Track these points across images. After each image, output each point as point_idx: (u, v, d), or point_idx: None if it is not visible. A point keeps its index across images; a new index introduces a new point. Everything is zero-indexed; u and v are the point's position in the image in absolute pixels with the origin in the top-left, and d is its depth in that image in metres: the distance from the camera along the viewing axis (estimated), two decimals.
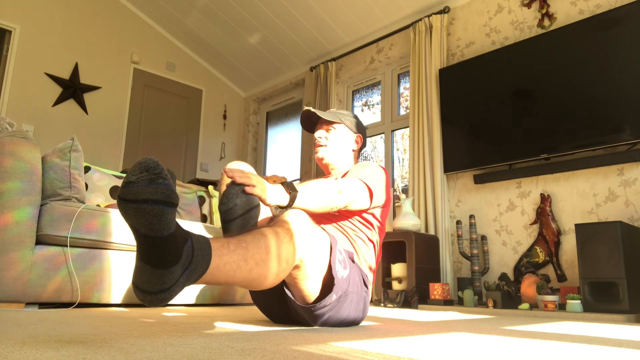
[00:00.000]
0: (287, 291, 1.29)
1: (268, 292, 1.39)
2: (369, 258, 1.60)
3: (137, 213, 0.70)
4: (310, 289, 1.27)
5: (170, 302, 2.32)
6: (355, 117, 1.78)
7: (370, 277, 1.60)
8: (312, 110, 1.69)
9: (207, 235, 1.30)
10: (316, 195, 1.34)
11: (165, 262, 0.75)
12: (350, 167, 1.74)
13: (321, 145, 1.69)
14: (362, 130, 1.78)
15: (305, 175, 4.78)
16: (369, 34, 4.37)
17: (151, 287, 0.75)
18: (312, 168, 4.56)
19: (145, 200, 0.69)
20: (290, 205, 1.27)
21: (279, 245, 1.05)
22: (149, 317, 1.59)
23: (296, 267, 1.17)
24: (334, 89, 4.55)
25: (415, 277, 2.97)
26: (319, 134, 1.70)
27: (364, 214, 1.58)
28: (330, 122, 1.70)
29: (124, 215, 0.73)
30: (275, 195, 1.21)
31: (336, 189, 1.40)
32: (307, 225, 1.18)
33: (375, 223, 1.61)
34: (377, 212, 1.60)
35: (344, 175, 1.62)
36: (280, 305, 1.44)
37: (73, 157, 2.19)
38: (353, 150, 1.74)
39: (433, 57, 3.64)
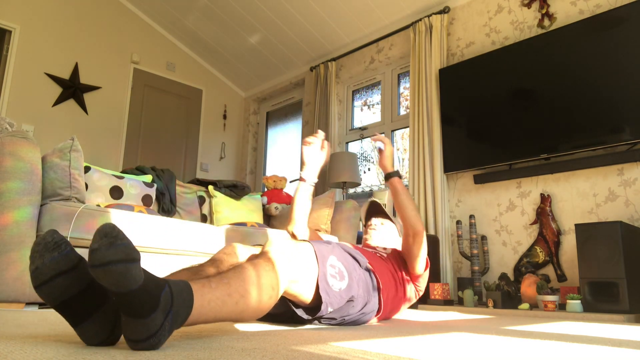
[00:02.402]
0: (297, 311, 1.37)
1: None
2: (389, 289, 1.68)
3: (106, 275, 0.76)
4: (310, 296, 1.34)
5: None
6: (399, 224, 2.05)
7: (381, 283, 1.63)
8: (378, 201, 2.02)
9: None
10: (409, 195, 1.75)
11: (143, 311, 0.80)
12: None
13: (374, 229, 1.97)
14: (401, 234, 2.02)
15: None
16: (369, 34, 4.37)
17: (138, 336, 0.81)
18: None
19: (109, 262, 0.75)
20: (392, 175, 1.75)
21: (260, 274, 1.08)
22: None
23: (289, 287, 1.23)
24: (334, 89, 4.55)
25: None
26: (375, 221, 2.00)
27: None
28: (387, 218, 2.01)
29: (97, 280, 0.79)
30: (391, 161, 1.79)
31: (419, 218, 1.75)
32: (287, 248, 1.23)
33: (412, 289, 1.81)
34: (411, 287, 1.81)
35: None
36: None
37: (73, 157, 2.19)
38: (393, 249, 1.94)
39: (433, 57, 3.64)
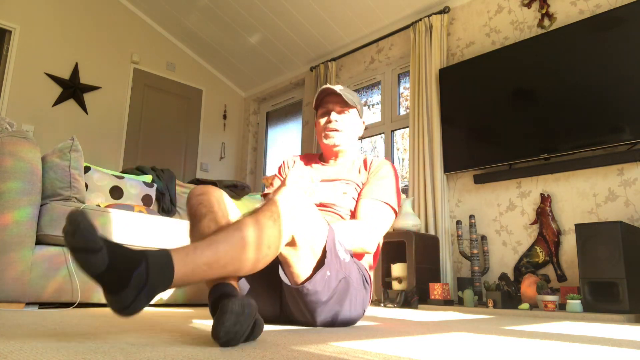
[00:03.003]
0: (281, 273, 1.26)
1: (265, 297, 1.40)
2: (367, 255, 1.60)
3: (74, 259, 0.82)
4: (305, 269, 1.23)
5: (171, 303, 2.33)
6: (360, 101, 1.75)
7: (371, 274, 1.61)
8: (333, 88, 1.62)
9: None
10: (347, 235, 1.43)
11: (114, 288, 0.85)
12: (354, 154, 1.75)
13: (337, 130, 1.63)
14: (362, 115, 1.76)
15: None
16: (369, 34, 4.37)
17: (114, 306, 0.86)
18: None
19: (73, 250, 0.81)
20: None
21: (260, 233, 1.05)
22: (149, 317, 1.59)
23: (290, 244, 1.16)
24: None
25: (415, 277, 2.97)
26: (335, 116, 1.63)
27: None
28: (347, 106, 1.65)
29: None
30: None
31: (368, 231, 1.50)
32: (299, 203, 1.15)
33: None
34: None
35: (366, 179, 1.66)
36: (276, 304, 1.44)
37: (73, 157, 2.19)
38: (358, 138, 1.75)
39: (433, 57, 3.64)
